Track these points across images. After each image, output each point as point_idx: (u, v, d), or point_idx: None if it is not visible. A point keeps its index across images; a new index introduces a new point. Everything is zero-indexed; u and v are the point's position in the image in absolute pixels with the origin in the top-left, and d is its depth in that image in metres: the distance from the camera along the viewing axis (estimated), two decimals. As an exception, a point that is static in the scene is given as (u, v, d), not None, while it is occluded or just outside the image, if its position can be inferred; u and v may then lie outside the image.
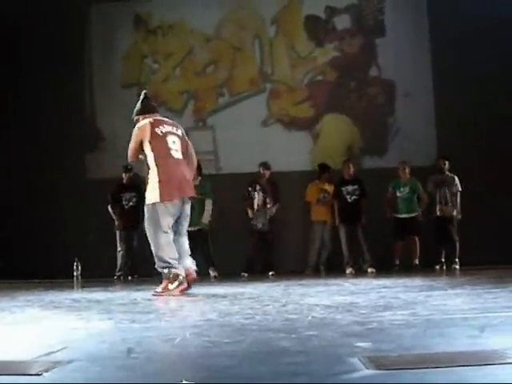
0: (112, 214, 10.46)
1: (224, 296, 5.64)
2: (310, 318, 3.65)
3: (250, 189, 10.17)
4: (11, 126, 11.29)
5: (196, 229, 9.19)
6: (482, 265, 9.04)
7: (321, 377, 2.09)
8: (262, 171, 10.22)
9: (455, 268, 9.83)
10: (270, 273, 9.87)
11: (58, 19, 11.46)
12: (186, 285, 5.80)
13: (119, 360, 2.46)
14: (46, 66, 11.31)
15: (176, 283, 5.74)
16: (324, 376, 2.09)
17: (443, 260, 10.07)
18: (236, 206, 10.27)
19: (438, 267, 9.96)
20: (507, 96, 10.63)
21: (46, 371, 2.20)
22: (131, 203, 10.49)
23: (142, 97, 6.96)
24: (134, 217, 10.32)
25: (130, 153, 6.43)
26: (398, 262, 10.12)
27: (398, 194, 10.25)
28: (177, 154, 6.16)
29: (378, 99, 11.63)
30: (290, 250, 10.79)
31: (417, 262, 10.08)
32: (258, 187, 10.16)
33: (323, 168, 10.51)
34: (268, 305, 4.56)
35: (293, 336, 2.93)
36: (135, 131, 6.33)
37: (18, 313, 4.52)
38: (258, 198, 10.14)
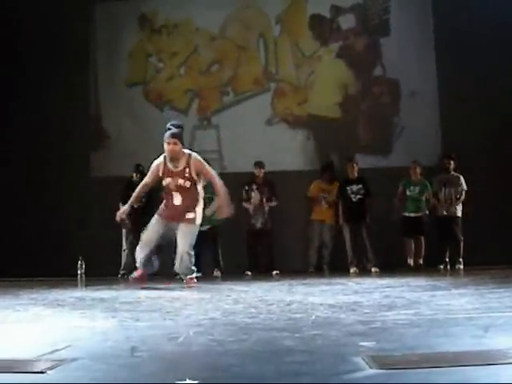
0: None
1: (228, 295, 5.65)
2: (313, 317, 3.65)
3: (246, 188, 10.20)
4: (16, 125, 11.31)
5: (206, 228, 9.23)
6: (485, 265, 9.02)
7: (324, 376, 2.09)
8: (256, 171, 10.24)
9: (459, 268, 9.82)
10: (274, 272, 9.87)
11: (62, 18, 11.48)
12: None
13: (123, 358, 2.46)
14: (50, 64, 11.33)
15: None
16: (328, 375, 2.09)
17: (447, 260, 10.06)
18: (240, 205, 10.27)
19: (441, 267, 9.94)
20: (512, 96, 10.64)
21: (50, 369, 2.21)
22: (140, 203, 10.49)
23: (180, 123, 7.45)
24: (141, 216, 10.35)
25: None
26: (411, 262, 10.10)
27: (408, 193, 10.24)
28: None
29: (382, 98, 11.61)
30: (293, 250, 10.79)
31: (421, 262, 10.07)
32: (254, 187, 10.19)
33: (324, 167, 10.52)
34: (272, 304, 4.56)
35: (297, 335, 2.94)
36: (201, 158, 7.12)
37: (22, 311, 4.53)
38: (254, 197, 10.17)
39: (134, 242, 10.31)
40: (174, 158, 6.91)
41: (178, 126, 7.14)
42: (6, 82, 11.31)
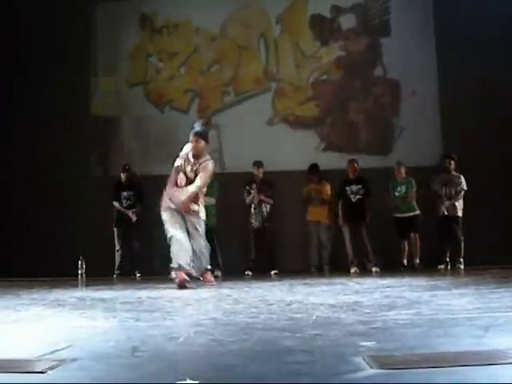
0: (119, 209, 10.57)
1: (228, 295, 5.65)
2: (314, 317, 3.65)
3: (247, 188, 10.23)
4: (16, 125, 11.31)
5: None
6: (486, 264, 9.02)
7: (325, 376, 2.09)
8: (255, 170, 10.26)
9: (459, 268, 9.82)
10: (273, 272, 9.88)
11: (63, 18, 11.50)
12: None
13: (124, 358, 2.47)
14: (51, 64, 11.34)
15: None
16: (328, 375, 2.09)
17: (448, 259, 10.06)
18: (240, 205, 10.28)
19: (442, 267, 9.95)
20: (513, 96, 10.64)
21: (51, 369, 2.21)
22: (129, 202, 10.56)
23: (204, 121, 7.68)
24: (131, 217, 10.44)
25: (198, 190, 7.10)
26: (405, 262, 10.11)
27: (396, 194, 10.27)
28: None
29: (382, 99, 11.61)
30: (293, 250, 10.80)
31: (417, 261, 10.05)
32: (253, 186, 10.22)
33: (310, 170, 10.50)
34: (272, 304, 4.56)
35: (297, 335, 2.94)
36: (211, 171, 7.18)
37: (23, 311, 4.53)
38: (254, 197, 10.20)
39: (126, 240, 10.41)
40: (197, 156, 7.03)
41: (203, 125, 7.36)
42: (7, 82, 11.32)
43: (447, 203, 10.08)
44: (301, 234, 10.71)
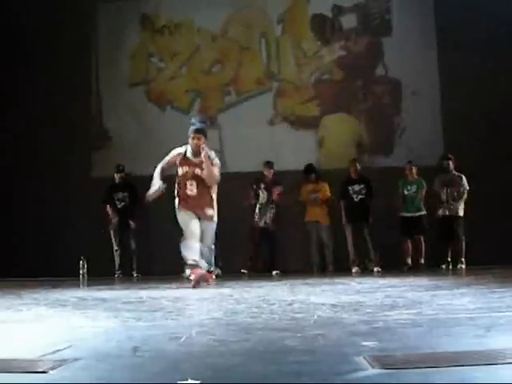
0: (108, 212, 10.56)
1: (230, 295, 5.65)
2: (315, 317, 3.65)
3: (254, 187, 10.22)
4: (17, 125, 11.31)
5: None
6: (487, 264, 9.03)
7: (326, 376, 2.09)
8: (266, 170, 10.26)
9: (461, 267, 9.82)
10: (274, 272, 9.89)
11: (64, 18, 11.52)
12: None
13: (125, 358, 2.47)
14: (52, 64, 11.35)
15: None
16: (330, 375, 2.09)
17: (449, 259, 10.07)
18: (241, 205, 10.28)
19: (443, 266, 9.95)
20: (514, 95, 10.63)
21: (53, 369, 2.21)
22: (124, 203, 10.55)
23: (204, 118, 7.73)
24: (126, 216, 10.43)
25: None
26: (409, 261, 10.12)
27: (405, 193, 10.27)
28: None
29: (384, 98, 11.61)
30: (295, 250, 10.80)
31: (422, 262, 10.08)
32: (262, 186, 10.21)
33: (307, 170, 10.49)
34: (274, 304, 4.56)
35: (299, 335, 2.94)
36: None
37: (24, 311, 4.53)
38: (262, 196, 10.19)
39: (122, 241, 10.41)
40: (197, 153, 7.01)
41: (202, 122, 7.39)
42: (7, 82, 11.32)
43: (456, 204, 10.08)
44: (302, 233, 10.69)
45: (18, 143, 11.19)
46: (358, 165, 10.38)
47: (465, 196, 10.09)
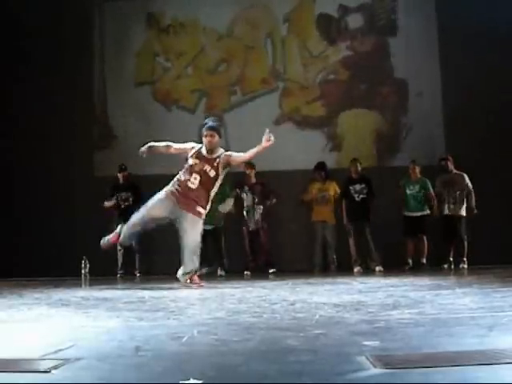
0: (108, 205, 10.55)
1: (232, 294, 5.65)
2: (317, 316, 3.65)
3: (238, 190, 10.20)
4: (21, 124, 11.32)
5: (210, 228, 9.33)
6: (489, 264, 9.03)
7: (328, 375, 2.09)
8: (247, 171, 10.24)
9: (463, 267, 9.82)
10: (270, 271, 9.88)
11: (70, 17, 11.53)
12: None
13: (127, 358, 2.47)
14: (57, 63, 11.35)
15: None
16: (331, 375, 2.09)
17: (451, 259, 10.06)
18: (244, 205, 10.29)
19: (446, 266, 9.95)
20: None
21: (55, 369, 2.21)
22: (127, 203, 10.53)
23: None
24: (130, 216, 10.40)
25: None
26: (410, 261, 10.12)
27: (408, 192, 10.27)
28: None
29: (390, 98, 11.60)
30: (298, 249, 10.79)
31: (424, 261, 10.07)
32: (246, 188, 10.20)
33: (317, 167, 10.50)
34: (276, 303, 4.56)
35: (300, 335, 2.94)
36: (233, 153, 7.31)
37: (26, 311, 4.53)
38: (246, 198, 10.18)
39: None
40: (211, 151, 7.01)
41: (215, 121, 7.35)
42: (9, 82, 11.33)
43: (455, 206, 10.08)
44: (304, 233, 10.70)
45: (20, 143, 11.19)
46: (358, 164, 10.38)
47: (472, 197, 10.06)
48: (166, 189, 7.00)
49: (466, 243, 9.98)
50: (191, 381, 1.97)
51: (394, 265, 9.87)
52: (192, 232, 6.82)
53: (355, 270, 9.95)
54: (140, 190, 10.15)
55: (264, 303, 4.62)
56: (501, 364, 2.14)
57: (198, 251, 6.90)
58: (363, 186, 10.23)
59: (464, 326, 3.16)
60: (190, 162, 6.97)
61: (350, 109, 11.61)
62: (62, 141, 11.23)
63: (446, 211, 10.13)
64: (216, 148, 7.05)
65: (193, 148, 7.08)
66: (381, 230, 9.95)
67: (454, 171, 10.18)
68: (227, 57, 11.96)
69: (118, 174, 10.61)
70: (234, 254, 10.11)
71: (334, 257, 10.36)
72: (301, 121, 11.64)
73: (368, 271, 9.76)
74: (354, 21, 11.80)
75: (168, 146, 7.21)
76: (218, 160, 6.97)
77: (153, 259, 10.68)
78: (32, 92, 11.37)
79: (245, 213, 10.21)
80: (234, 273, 9.62)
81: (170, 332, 3.16)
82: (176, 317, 3.92)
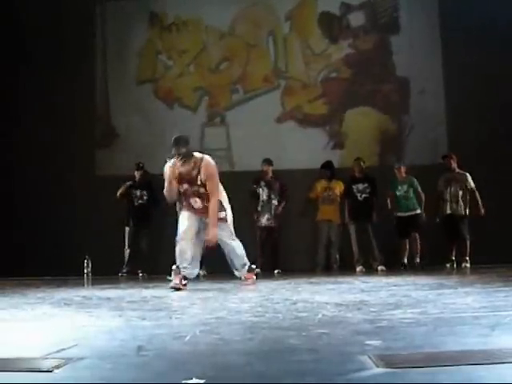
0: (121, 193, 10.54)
1: (234, 294, 5.65)
2: (320, 316, 3.65)
3: (254, 186, 10.23)
4: (21, 124, 11.33)
5: None
6: (492, 263, 9.02)
7: (331, 375, 2.08)
8: (264, 168, 10.26)
9: (466, 266, 9.81)
10: (276, 271, 9.88)
11: (72, 16, 11.54)
12: None
13: (130, 357, 2.47)
14: (59, 61, 11.39)
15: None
16: (334, 374, 2.09)
17: (454, 258, 10.05)
18: (248, 204, 10.28)
19: (448, 265, 9.94)
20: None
21: (58, 368, 2.21)
22: (141, 201, 10.55)
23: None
24: (143, 214, 10.43)
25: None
26: (405, 261, 10.10)
27: (397, 193, 10.28)
28: None
29: (392, 96, 11.60)
30: (300, 249, 10.80)
31: (418, 260, 10.04)
32: (262, 183, 10.22)
33: (324, 165, 10.51)
34: (278, 303, 4.56)
35: (303, 334, 2.93)
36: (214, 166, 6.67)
37: (29, 310, 4.53)
38: (262, 194, 10.19)
39: (136, 239, 10.41)
40: (182, 160, 6.47)
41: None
42: (13, 82, 11.34)
43: (463, 205, 10.08)
44: (307, 232, 10.70)
45: (22, 143, 11.21)
46: (361, 164, 10.37)
47: (477, 196, 10.04)
48: (183, 209, 6.69)
49: (468, 242, 9.97)
50: (193, 380, 1.97)
51: (397, 264, 9.88)
52: (226, 236, 6.88)
53: (357, 269, 9.95)
54: (154, 188, 10.06)
55: (266, 302, 4.61)
56: (504, 363, 2.14)
57: (239, 251, 7.09)
58: (366, 185, 10.23)
59: (466, 325, 3.16)
60: (181, 189, 6.62)
61: (353, 107, 11.62)
62: (64, 140, 11.25)
63: (448, 210, 10.12)
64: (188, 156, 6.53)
65: (170, 167, 6.59)
66: (383, 229, 9.96)
67: (457, 170, 10.17)
68: (229, 55, 11.99)
69: (135, 172, 10.61)
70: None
71: (337, 256, 10.37)
72: (303, 119, 11.64)
73: (370, 270, 9.75)
74: (356, 19, 11.83)
75: (170, 189, 6.59)
76: (199, 178, 6.55)
77: (157, 259, 10.67)
78: (33, 91, 11.40)
79: (259, 208, 10.21)
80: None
81: (172, 331, 3.16)
82: (178, 316, 3.92)
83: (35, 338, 3.10)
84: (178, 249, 6.45)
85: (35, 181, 11.13)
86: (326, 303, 4.40)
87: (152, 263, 10.46)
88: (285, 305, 4.41)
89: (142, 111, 11.80)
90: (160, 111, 11.79)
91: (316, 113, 11.68)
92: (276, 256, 10.22)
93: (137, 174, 10.63)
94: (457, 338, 2.76)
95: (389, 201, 10.33)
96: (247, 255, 7.18)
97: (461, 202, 10.08)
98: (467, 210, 10.09)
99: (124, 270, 10.34)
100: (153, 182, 10.21)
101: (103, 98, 11.97)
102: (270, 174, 10.33)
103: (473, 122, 10.64)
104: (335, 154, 11.32)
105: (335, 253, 10.39)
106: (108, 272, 9.72)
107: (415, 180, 10.25)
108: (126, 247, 10.48)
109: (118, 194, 10.47)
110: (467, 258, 9.93)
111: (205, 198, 6.58)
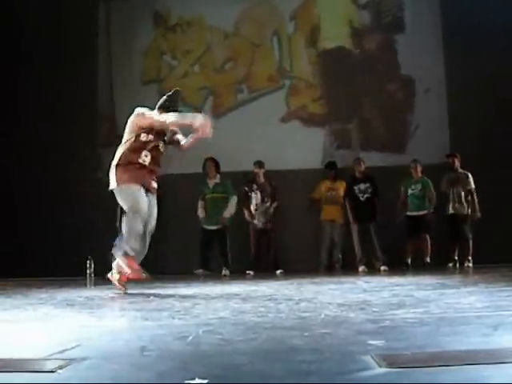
0: None
1: (237, 294, 5.65)
2: (322, 316, 3.65)
3: (246, 189, 10.19)
4: (23, 124, 11.33)
5: (216, 227, 9.40)
6: (495, 263, 9.01)
7: (333, 375, 2.09)
8: (256, 170, 10.24)
9: (468, 266, 9.81)
10: (278, 271, 9.86)
11: (77, 16, 11.54)
12: None
13: (132, 358, 2.47)
14: (62, 61, 11.36)
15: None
16: (336, 374, 2.09)
17: (456, 258, 10.05)
18: (242, 204, 10.29)
19: (451, 265, 9.93)
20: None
21: (60, 368, 2.21)
22: None
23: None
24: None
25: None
26: (409, 261, 10.10)
27: (410, 192, 10.25)
28: None
29: (397, 96, 11.58)
30: (302, 249, 10.76)
31: (428, 261, 10.04)
32: (254, 186, 10.18)
33: (328, 166, 10.51)
34: (281, 303, 4.56)
35: (305, 334, 2.94)
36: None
37: (32, 311, 4.54)
38: (255, 197, 10.16)
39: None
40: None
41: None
42: (13, 82, 11.34)
43: (460, 206, 10.07)
44: (310, 232, 10.69)
45: (23, 143, 11.19)
46: (362, 163, 10.36)
47: (474, 198, 10.04)
48: (127, 181, 6.45)
49: (470, 242, 9.96)
50: (196, 380, 1.97)
51: (399, 264, 9.87)
52: (154, 215, 6.38)
53: (360, 269, 9.93)
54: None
55: (269, 303, 4.62)
56: (507, 363, 2.14)
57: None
58: (368, 185, 10.21)
59: (469, 325, 3.16)
60: (143, 138, 6.46)
61: (357, 107, 11.60)
62: (64, 140, 11.22)
63: (451, 210, 10.11)
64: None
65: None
66: (386, 229, 9.95)
67: (460, 170, 10.17)
68: (234, 55, 11.98)
69: None
70: (237, 254, 10.09)
71: (340, 256, 10.36)
72: (307, 119, 11.63)
73: (373, 270, 9.74)
74: (361, 18, 11.80)
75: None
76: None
77: (159, 258, 10.66)
78: (34, 91, 11.39)
79: (253, 211, 10.19)
80: (240, 273, 9.61)
81: (175, 331, 3.16)
82: (181, 316, 3.92)
83: (38, 339, 3.11)
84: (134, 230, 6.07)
85: (35, 181, 11.12)
86: (329, 303, 4.40)
87: (152, 263, 10.44)
88: (287, 305, 4.41)
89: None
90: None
91: (321, 112, 11.67)
92: (275, 256, 10.19)
93: None
94: (460, 338, 2.77)
95: (399, 201, 10.29)
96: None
97: (464, 202, 10.07)
98: (470, 210, 10.08)
99: (126, 271, 10.32)
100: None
101: (108, 98, 11.97)
102: (262, 177, 10.28)
103: (476, 122, 10.61)
104: (340, 154, 11.29)
105: (338, 253, 10.38)
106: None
107: (429, 181, 10.22)
108: None
109: None
110: (470, 258, 9.92)
111: (156, 157, 6.31)
